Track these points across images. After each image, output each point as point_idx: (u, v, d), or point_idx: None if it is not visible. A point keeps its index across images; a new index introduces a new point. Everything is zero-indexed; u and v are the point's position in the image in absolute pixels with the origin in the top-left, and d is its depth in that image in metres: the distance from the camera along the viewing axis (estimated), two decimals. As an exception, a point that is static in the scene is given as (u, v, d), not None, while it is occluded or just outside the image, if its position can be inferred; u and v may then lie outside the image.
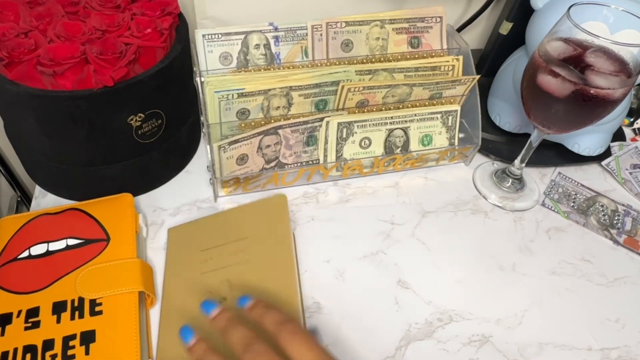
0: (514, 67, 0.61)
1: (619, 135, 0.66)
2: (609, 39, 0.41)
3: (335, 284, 0.48)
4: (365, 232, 0.53)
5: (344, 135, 0.55)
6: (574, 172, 0.62)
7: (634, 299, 0.49)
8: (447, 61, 0.57)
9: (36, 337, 0.40)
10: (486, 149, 0.62)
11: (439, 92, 0.58)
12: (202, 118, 0.55)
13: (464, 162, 0.62)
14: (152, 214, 0.53)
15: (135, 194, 0.52)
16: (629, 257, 0.53)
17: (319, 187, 0.57)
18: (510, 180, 0.58)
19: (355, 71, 0.54)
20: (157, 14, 0.49)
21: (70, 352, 0.39)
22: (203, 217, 0.52)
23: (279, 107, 0.54)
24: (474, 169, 0.61)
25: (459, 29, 0.69)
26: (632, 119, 0.69)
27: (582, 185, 0.61)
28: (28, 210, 0.51)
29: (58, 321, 0.41)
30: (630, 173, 0.62)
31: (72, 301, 0.42)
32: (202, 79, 0.51)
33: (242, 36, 0.55)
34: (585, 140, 0.60)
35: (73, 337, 0.40)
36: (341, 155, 0.56)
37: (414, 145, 0.59)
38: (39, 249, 0.45)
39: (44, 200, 0.54)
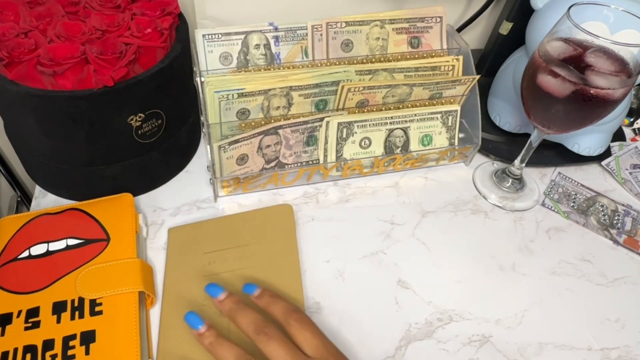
0: (514, 67, 0.61)
1: (619, 135, 0.66)
2: (609, 39, 0.41)
3: (335, 284, 0.48)
4: (365, 232, 0.53)
5: (344, 135, 0.55)
6: (574, 172, 0.62)
7: (634, 299, 0.49)
8: (447, 61, 0.57)
9: (36, 337, 0.40)
10: (486, 149, 0.62)
11: (439, 92, 0.58)
12: (202, 118, 0.55)
13: (464, 162, 0.62)
14: (152, 214, 0.53)
15: (135, 194, 0.52)
16: (629, 257, 0.53)
17: (319, 187, 0.57)
18: (510, 180, 0.58)
19: (355, 71, 0.54)
20: (157, 14, 0.49)
21: (70, 352, 0.39)
22: (205, 219, 0.52)
23: (279, 107, 0.54)
24: (474, 169, 0.61)
25: (459, 29, 0.69)
26: (632, 119, 0.69)
27: (582, 185, 0.61)
28: (28, 210, 0.51)
29: (58, 321, 0.41)
30: (630, 173, 0.62)
31: (72, 301, 0.42)
32: (202, 79, 0.51)
33: (242, 36, 0.55)
34: (585, 140, 0.60)
35: (73, 337, 0.40)
36: (341, 155, 0.56)
37: (414, 145, 0.59)
38: (39, 249, 0.45)
39: (44, 200, 0.54)
